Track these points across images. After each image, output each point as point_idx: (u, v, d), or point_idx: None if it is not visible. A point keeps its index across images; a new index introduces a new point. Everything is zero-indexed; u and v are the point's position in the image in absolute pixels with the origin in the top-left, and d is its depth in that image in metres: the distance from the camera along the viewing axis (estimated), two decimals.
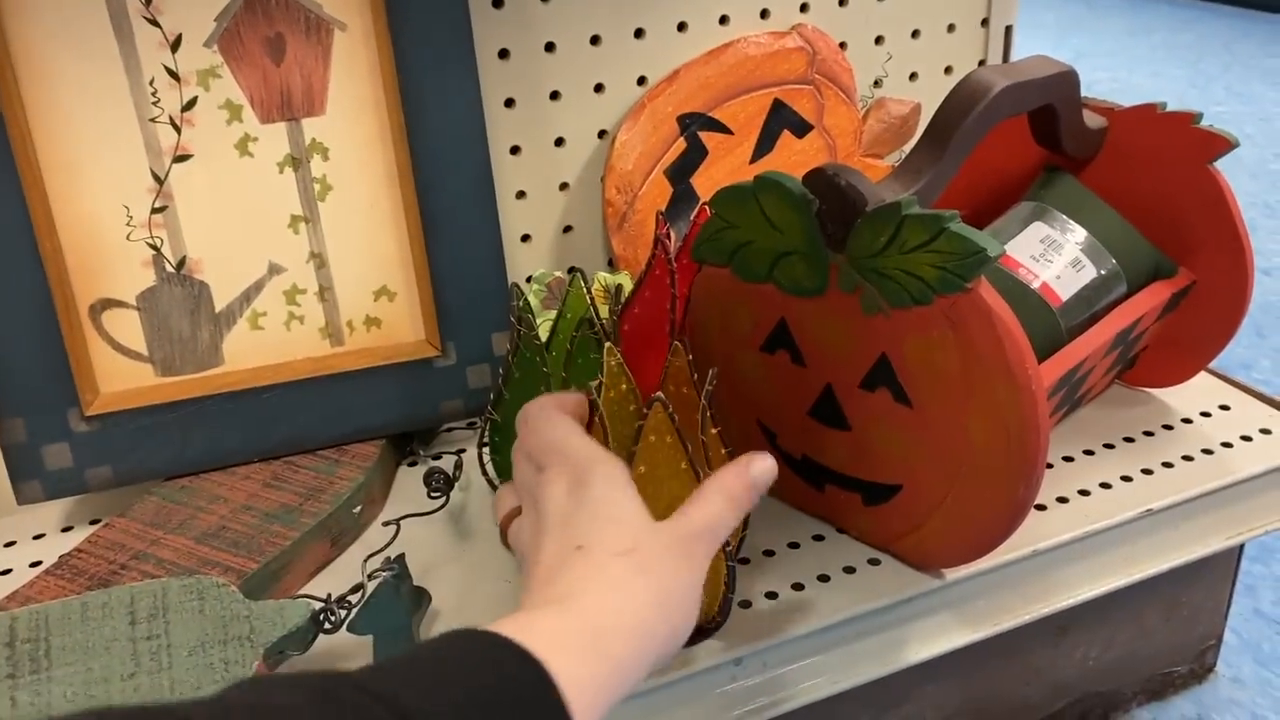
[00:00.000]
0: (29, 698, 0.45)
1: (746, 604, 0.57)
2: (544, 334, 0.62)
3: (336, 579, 0.60)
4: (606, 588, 0.40)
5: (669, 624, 0.41)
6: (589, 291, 0.61)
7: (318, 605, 0.50)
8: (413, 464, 0.71)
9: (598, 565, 0.41)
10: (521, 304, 0.61)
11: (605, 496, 0.43)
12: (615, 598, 0.40)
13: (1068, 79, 0.61)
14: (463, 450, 0.70)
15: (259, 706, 0.27)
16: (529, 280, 0.76)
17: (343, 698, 0.28)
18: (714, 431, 0.52)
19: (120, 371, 0.65)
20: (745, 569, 0.59)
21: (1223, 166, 0.64)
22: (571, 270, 0.63)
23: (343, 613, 0.50)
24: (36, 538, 0.66)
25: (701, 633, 0.54)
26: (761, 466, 0.47)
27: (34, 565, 0.63)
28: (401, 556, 0.53)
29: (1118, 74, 2.29)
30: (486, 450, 0.65)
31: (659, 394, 0.49)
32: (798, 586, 0.58)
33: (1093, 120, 0.66)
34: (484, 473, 0.65)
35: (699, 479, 0.49)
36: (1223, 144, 0.63)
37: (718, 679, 0.54)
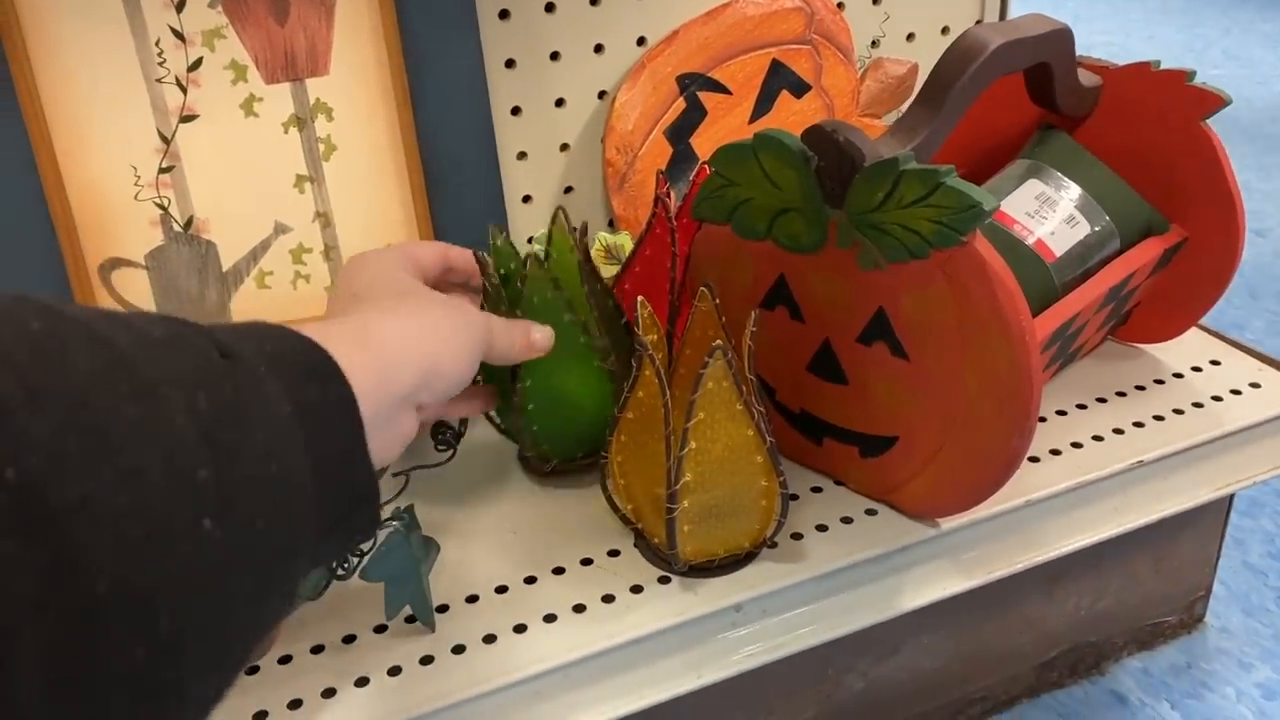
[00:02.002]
0: None
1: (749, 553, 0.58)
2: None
3: None
4: (375, 309, 0.46)
5: (434, 343, 0.45)
6: (572, 231, 0.60)
7: None
8: None
9: (373, 300, 0.47)
10: (499, 243, 0.60)
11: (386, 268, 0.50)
12: (383, 316, 0.45)
13: (1063, 36, 0.61)
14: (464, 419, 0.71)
15: (140, 330, 0.30)
16: (530, 240, 0.77)
17: (185, 334, 0.31)
18: (751, 377, 0.53)
19: None
20: None
21: (1219, 130, 0.65)
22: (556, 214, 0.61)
23: (355, 560, 0.51)
24: None
25: (750, 557, 0.57)
26: (544, 332, 0.54)
27: None
28: (411, 507, 0.54)
29: (1114, 37, 2.28)
30: None
31: (719, 342, 0.50)
32: (797, 536, 0.59)
33: (1087, 78, 0.66)
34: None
35: (753, 416, 0.51)
36: (1215, 101, 0.64)
37: (717, 624, 0.56)
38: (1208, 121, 0.65)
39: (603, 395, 0.60)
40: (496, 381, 0.60)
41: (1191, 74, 0.64)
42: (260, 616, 0.31)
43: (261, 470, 0.30)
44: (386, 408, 0.41)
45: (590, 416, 0.61)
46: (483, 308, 0.58)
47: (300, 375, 0.35)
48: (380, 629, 0.55)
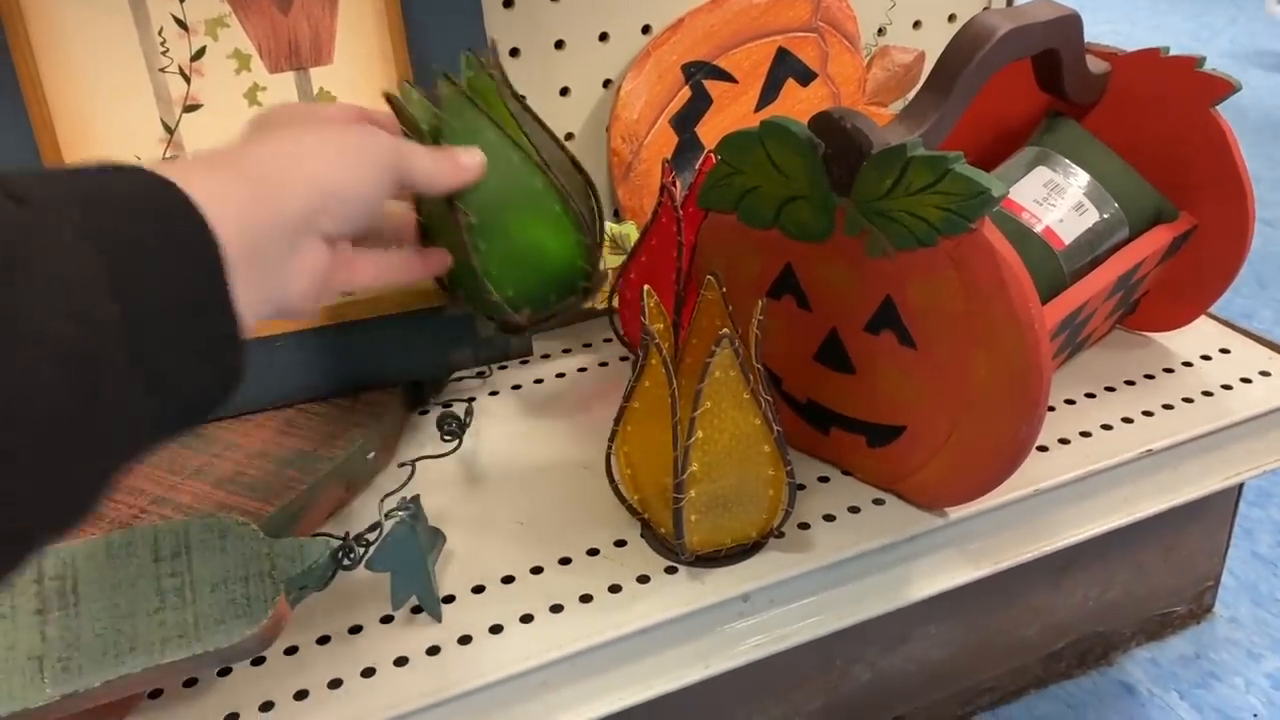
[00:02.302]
0: (58, 632, 0.46)
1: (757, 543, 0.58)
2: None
3: (351, 523, 0.61)
4: (258, 142, 0.41)
5: (327, 163, 0.42)
6: (491, 70, 0.56)
7: (336, 543, 0.51)
8: (424, 412, 0.72)
9: (265, 134, 0.43)
10: (415, 98, 0.55)
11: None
12: (265, 143, 0.41)
13: (1071, 23, 0.61)
14: (473, 398, 0.71)
15: None
16: None
17: None
18: (758, 366, 0.53)
19: None
20: None
21: (1228, 117, 0.64)
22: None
23: (361, 550, 0.51)
24: None
25: (757, 547, 0.57)
26: (470, 153, 0.51)
27: None
28: (417, 497, 0.54)
29: (1120, 26, 2.27)
30: None
31: (726, 330, 0.50)
32: (804, 525, 0.59)
33: (1095, 65, 0.66)
34: None
35: (760, 406, 0.51)
36: (1225, 87, 0.63)
37: (725, 614, 0.55)
38: (1217, 108, 0.64)
39: (556, 219, 0.55)
40: (442, 238, 0.54)
41: (1201, 60, 0.64)
42: (76, 461, 0.30)
43: (42, 319, 0.28)
44: (271, 239, 0.38)
45: (550, 244, 0.55)
46: None
47: (125, 216, 0.32)
48: (387, 619, 0.55)
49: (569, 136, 0.79)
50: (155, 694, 0.52)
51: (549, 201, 0.54)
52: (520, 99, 0.56)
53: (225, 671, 0.52)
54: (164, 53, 0.62)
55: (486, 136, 0.53)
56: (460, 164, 0.50)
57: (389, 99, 0.53)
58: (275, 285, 0.39)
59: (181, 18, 0.62)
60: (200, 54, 0.63)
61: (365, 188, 0.43)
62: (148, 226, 0.32)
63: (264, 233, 0.37)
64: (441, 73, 0.53)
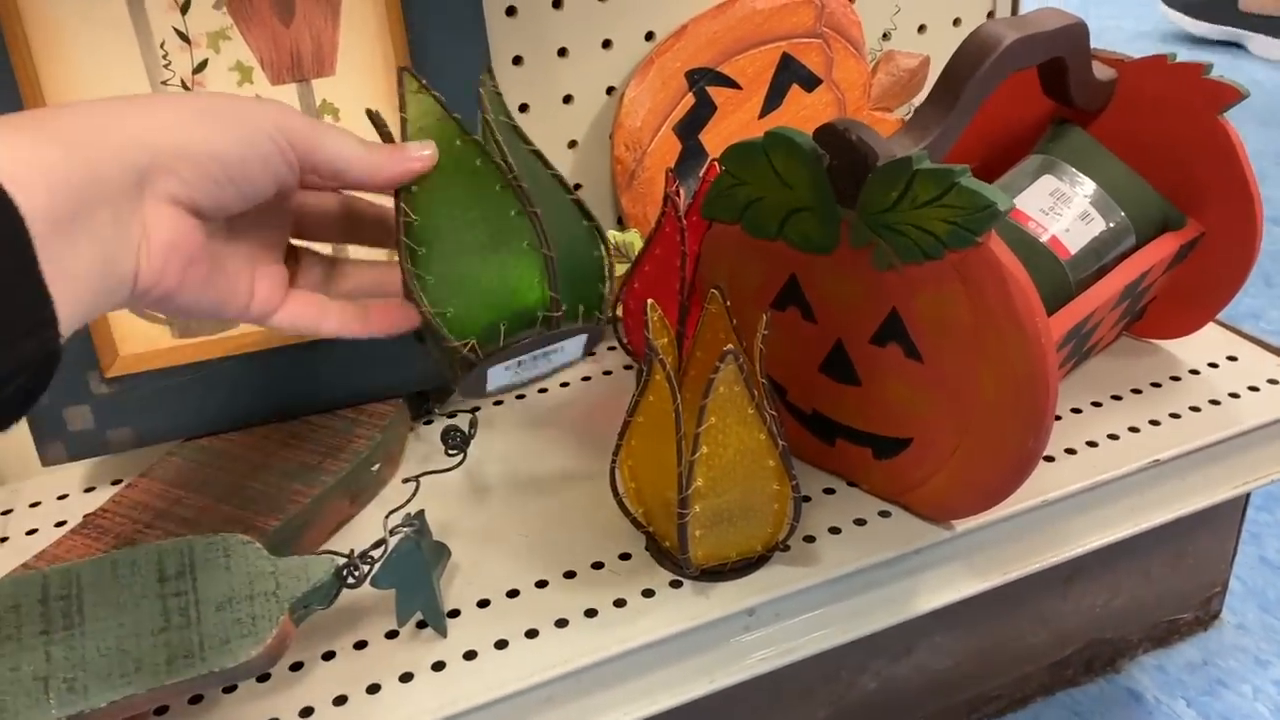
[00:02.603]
0: (63, 652, 0.46)
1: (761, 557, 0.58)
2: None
3: (356, 536, 0.61)
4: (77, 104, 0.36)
5: (165, 116, 0.36)
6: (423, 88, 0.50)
7: (341, 561, 0.51)
8: (428, 423, 0.72)
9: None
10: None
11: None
12: (87, 102, 0.35)
13: (1077, 31, 0.61)
14: (477, 409, 0.71)
15: None
16: None
17: None
18: (763, 380, 0.53)
19: (138, 333, 0.66)
20: None
21: (1232, 115, 0.64)
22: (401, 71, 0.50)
23: (365, 568, 0.51)
24: (60, 498, 0.67)
25: (762, 560, 0.56)
26: (422, 149, 0.46)
27: (59, 525, 0.64)
28: (421, 513, 0.54)
29: (1123, 22, 2.26)
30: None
31: (730, 346, 0.49)
32: (809, 539, 0.59)
33: (1102, 72, 0.65)
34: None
35: (765, 420, 0.51)
36: (1233, 94, 0.63)
37: (731, 628, 0.55)
38: (1224, 115, 0.64)
39: (521, 253, 0.48)
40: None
41: (1209, 67, 0.63)
42: None
43: None
44: (91, 205, 0.32)
45: (509, 275, 0.48)
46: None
47: None
48: (392, 634, 0.55)
49: (572, 144, 0.79)
50: (161, 710, 0.52)
51: (518, 234, 0.48)
52: (518, 130, 0.51)
53: (231, 689, 0.52)
54: (166, 65, 0.62)
55: (451, 140, 0.48)
56: (407, 154, 0.46)
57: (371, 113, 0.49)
58: (114, 261, 0.34)
59: (183, 30, 0.62)
60: (202, 67, 0.62)
61: (225, 147, 0.38)
62: None
63: (80, 198, 0.32)
64: (406, 71, 0.49)
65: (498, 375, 0.50)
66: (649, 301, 0.54)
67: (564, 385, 0.75)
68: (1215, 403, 0.68)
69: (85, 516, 0.60)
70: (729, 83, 0.79)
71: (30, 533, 0.64)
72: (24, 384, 0.32)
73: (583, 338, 0.51)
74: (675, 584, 0.56)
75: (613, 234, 0.74)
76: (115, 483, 0.67)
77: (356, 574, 0.51)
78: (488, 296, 0.48)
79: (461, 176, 0.48)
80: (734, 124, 0.80)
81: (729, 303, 0.55)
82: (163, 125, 0.36)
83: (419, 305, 0.47)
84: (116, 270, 0.34)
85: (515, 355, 0.49)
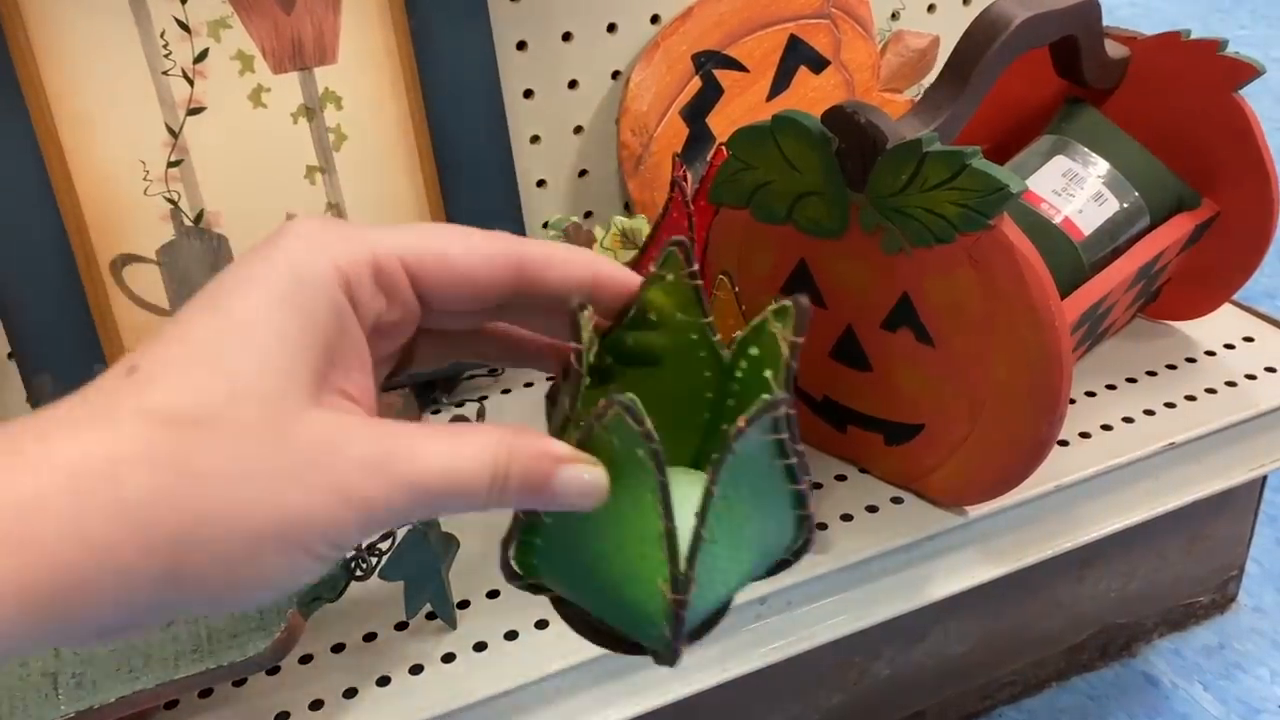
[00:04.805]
0: (71, 648, 0.46)
1: None
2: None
3: None
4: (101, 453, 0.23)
5: (169, 556, 0.23)
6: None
7: (349, 553, 0.50)
8: (435, 412, 0.71)
9: (126, 412, 0.23)
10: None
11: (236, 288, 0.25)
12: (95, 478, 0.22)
13: (1089, 9, 0.59)
14: (485, 397, 0.71)
15: None
16: (545, 225, 0.76)
17: None
18: None
19: (144, 326, 0.66)
20: None
21: (1248, 92, 0.63)
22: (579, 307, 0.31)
23: (374, 560, 0.51)
24: None
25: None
26: (587, 477, 0.27)
27: None
28: None
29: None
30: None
31: (737, 334, 0.49)
32: (821, 526, 0.58)
33: (1115, 50, 0.64)
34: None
35: None
36: (1249, 71, 0.62)
37: (743, 618, 0.55)
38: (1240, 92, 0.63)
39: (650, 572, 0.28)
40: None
41: (1224, 43, 0.62)
42: None
43: None
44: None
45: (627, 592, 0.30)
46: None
47: None
48: (401, 626, 0.54)
49: (578, 130, 0.78)
50: (171, 704, 0.52)
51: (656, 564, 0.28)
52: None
53: (240, 681, 0.52)
54: (166, 55, 0.61)
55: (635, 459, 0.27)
56: (560, 481, 0.27)
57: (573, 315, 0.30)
58: None
59: (183, 19, 0.61)
60: (203, 56, 0.62)
61: (269, 571, 0.24)
62: None
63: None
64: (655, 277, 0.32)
65: None
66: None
67: None
68: (1231, 384, 0.67)
69: None
70: (736, 65, 0.78)
71: None
72: None
73: None
74: None
75: (620, 220, 0.73)
76: None
77: (365, 566, 0.51)
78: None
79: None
80: (741, 107, 0.79)
81: (738, 289, 0.54)
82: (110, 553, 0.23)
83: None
84: None
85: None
